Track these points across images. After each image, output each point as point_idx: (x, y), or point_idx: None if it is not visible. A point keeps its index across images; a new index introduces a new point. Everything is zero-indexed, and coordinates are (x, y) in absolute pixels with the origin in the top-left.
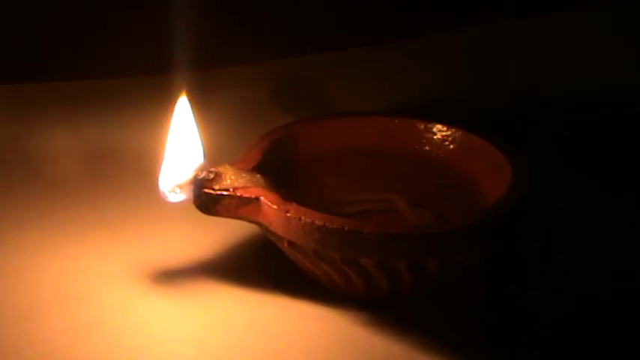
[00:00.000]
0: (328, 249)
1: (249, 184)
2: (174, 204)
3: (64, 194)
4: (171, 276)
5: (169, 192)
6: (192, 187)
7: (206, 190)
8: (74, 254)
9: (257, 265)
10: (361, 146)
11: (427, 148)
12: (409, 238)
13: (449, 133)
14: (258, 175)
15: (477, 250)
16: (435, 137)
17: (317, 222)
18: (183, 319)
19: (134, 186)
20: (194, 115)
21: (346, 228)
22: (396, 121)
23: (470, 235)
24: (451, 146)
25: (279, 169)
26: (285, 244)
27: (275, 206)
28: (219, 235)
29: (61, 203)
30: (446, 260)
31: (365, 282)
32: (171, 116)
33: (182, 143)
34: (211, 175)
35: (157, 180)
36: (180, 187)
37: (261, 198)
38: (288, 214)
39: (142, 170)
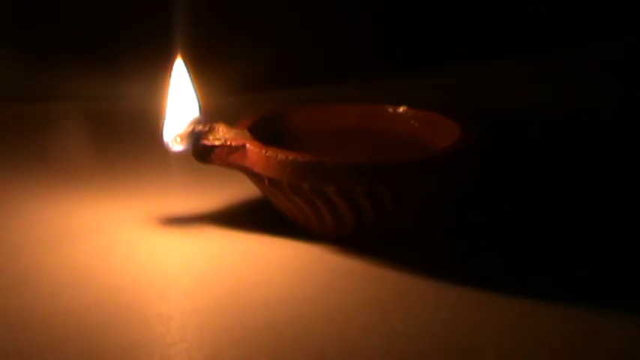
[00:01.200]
0: (299, 180)
1: (237, 137)
2: (176, 155)
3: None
4: (172, 218)
5: (171, 143)
6: (190, 138)
7: (202, 142)
8: (93, 200)
9: (245, 212)
10: (342, 128)
11: (395, 126)
12: (364, 167)
13: (413, 113)
14: (246, 131)
15: (422, 182)
16: (402, 117)
17: (289, 157)
18: (179, 251)
19: (141, 142)
20: (190, 75)
21: (313, 160)
22: (371, 107)
23: (415, 168)
24: (415, 123)
25: (266, 142)
26: (266, 181)
27: (257, 149)
28: (214, 187)
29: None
30: (396, 189)
31: (332, 214)
32: (169, 77)
33: (181, 101)
34: (206, 128)
35: (160, 134)
36: (181, 137)
37: (247, 145)
38: (267, 154)
39: (146, 128)
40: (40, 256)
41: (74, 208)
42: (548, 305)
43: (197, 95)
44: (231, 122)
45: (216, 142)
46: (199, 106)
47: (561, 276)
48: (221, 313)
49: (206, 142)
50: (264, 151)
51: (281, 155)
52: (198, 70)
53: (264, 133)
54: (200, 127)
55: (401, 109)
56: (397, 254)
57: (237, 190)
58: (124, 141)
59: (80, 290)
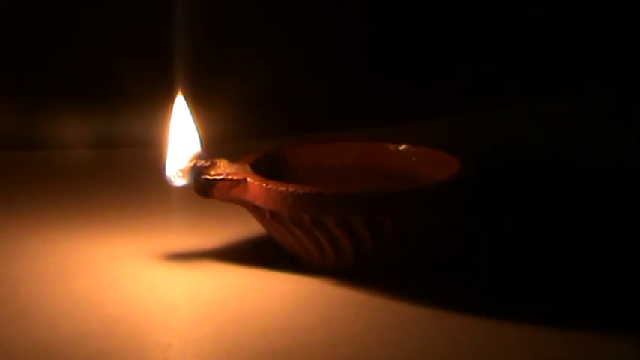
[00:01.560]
0: (299, 211)
1: (239, 171)
2: (178, 190)
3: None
4: (174, 254)
5: (174, 178)
6: (192, 173)
7: (204, 176)
8: (95, 238)
9: (246, 248)
10: (342, 165)
11: (396, 163)
12: (363, 197)
13: (413, 150)
14: (247, 166)
15: (421, 212)
16: (402, 154)
17: (289, 189)
18: (180, 284)
19: (143, 181)
20: (191, 111)
21: (313, 192)
22: (371, 145)
23: (414, 198)
24: (416, 160)
25: (267, 178)
26: (267, 215)
27: (258, 183)
28: (215, 223)
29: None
30: (396, 219)
31: (333, 246)
32: (170, 113)
33: (182, 136)
34: (208, 164)
35: (162, 170)
36: (183, 172)
37: (248, 179)
38: (268, 187)
39: (148, 166)
40: (40, 290)
41: (76, 244)
42: (551, 332)
43: (198, 131)
44: (232, 160)
45: (218, 177)
46: (201, 142)
47: (563, 303)
48: (220, 341)
49: (208, 176)
50: (264, 185)
51: (281, 188)
52: (199, 106)
53: (265, 169)
54: (202, 162)
55: (402, 147)
56: (398, 285)
57: (238, 226)
58: (127, 180)
59: (80, 320)
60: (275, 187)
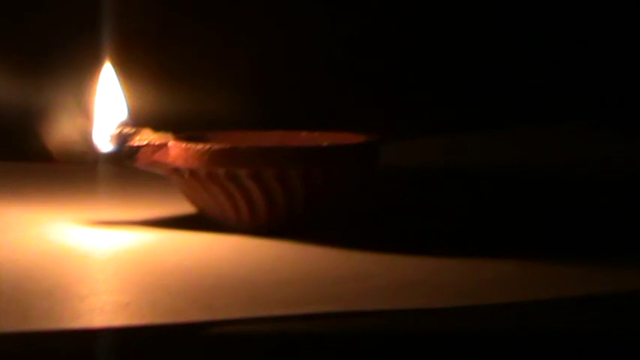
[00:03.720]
0: (216, 165)
1: (161, 137)
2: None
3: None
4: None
5: (100, 144)
6: (117, 140)
7: (129, 143)
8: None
9: (166, 214)
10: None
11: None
12: (274, 151)
13: (325, 135)
14: (169, 133)
15: (329, 167)
16: (315, 138)
17: (206, 147)
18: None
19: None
20: (118, 79)
21: (227, 147)
22: (289, 132)
23: (322, 154)
24: (326, 142)
25: None
26: (187, 174)
27: (178, 144)
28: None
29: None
30: (304, 173)
31: (246, 200)
32: (97, 80)
33: (109, 104)
34: (133, 131)
35: (89, 136)
36: (109, 139)
37: (169, 142)
38: (187, 146)
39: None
40: None
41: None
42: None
43: (125, 99)
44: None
45: (142, 143)
46: (127, 110)
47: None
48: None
49: (132, 143)
50: (184, 145)
51: (199, 146)
52: (126, 74)
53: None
54: (127, 130)
55: (315, 133)
56: (309, 241)
57: (160, 195)
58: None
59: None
60: (193, 146)
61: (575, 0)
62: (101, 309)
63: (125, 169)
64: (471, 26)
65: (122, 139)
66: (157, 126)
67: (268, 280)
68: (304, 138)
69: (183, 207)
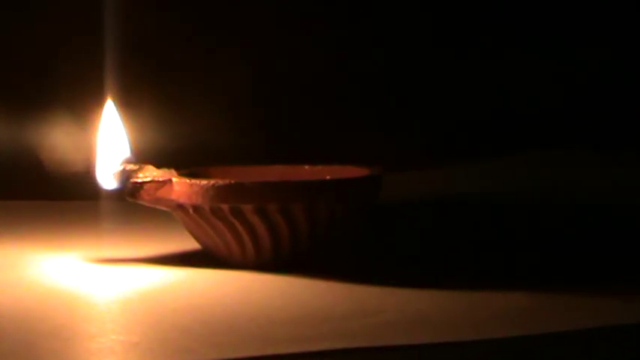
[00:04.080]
0: (220, 201)
1: (165, 174)
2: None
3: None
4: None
5: (104, 181)
6: (121, 177)
7: (132, 179)
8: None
9: (170, 250)
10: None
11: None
12: (278, 185)
13: (327, 168)
14: (172, 170)
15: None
16: (316, 172)
17: (210, 182)
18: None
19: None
20: (120, 117)
21: (231, 183)
22: (290, 166)
23: (326, 188)
24: (328, 175)
25: None
26: (191, 210)
27: (182, 181)
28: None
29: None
30: (308, 207)
31: (251, 236)
32: (100, 118)
33: (112, 141)
34: (136, 167)
35: (93, 173)
36: (112, 176)
37: (173, 179)
38: (191, 182)
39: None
40: None
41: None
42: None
43: (127, 136)
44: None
45: (146, 179)
46: (130, 147)
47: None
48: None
49: (136, 179)
50: (188, 181)
51: (203, 182)
52: (129, 112)
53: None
54: (130, 166)
55: (317, 167)
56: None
57: (164, 231)
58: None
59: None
60: (198, 182)
61: (565, 29)
62: (111, 349)
63: (128, 206)
64: (471, 54)
65: (125, 176)
66: (159, 162)
67: (278, 317)
68: (306, 172)
69: (186, 243)
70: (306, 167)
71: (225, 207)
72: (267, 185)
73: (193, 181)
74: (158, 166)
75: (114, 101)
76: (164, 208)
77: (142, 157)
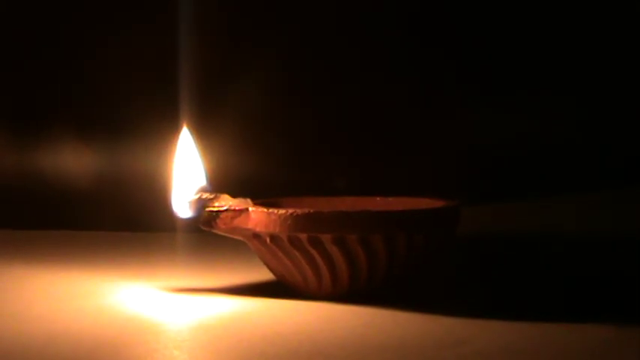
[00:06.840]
0: (298, 230)
1: (241, 203)
2: (184, 221)
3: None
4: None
5: (180, 210)
6: (197, 206)
7: (208, 208)
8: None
9: (246, 280)
10: None
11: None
12: (357, 215)
13: (400, 200)
14: (248, 199)
15: (412, 233)
16: (390, 203)
17: (289, 212)
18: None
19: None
20: (196, 144)
21: (310, 212)
22: (362, 198)
23: (405, 219)
24: (403, 207)
25: None
26: (268, 239)
27: (259, 210)
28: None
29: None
30: (387, 237)
31: (329, 268)
32: (175, 146)
33: (187, 170)
34: (212, 196)
35: (169, 203)
36: (189, 205)
37: (250, 208)
38: (269, 211)
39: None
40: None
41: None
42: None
43: (203, 164)
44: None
45: (222, 208)
46: (206, 175)
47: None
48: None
49: (212, 208)
50: (265, 210)
51: (282, 211)
52: (203, 139)
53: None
54: (206, 195)
55: (389, 198)
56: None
57: (239, 261)
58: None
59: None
60: (276, 211)
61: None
62: None
63: (201, 236)
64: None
65: (201, 205)
66: (234, 191)
67: (365, 346)
68: (380, 203)
69: (261, 274)
70: (378, 199)
71: (303, 236)
72: (347, 215)
73: (271, 210)
74: (233, 195)
75: (189, 129)
76: (239, 238)
77: (217, 186)
